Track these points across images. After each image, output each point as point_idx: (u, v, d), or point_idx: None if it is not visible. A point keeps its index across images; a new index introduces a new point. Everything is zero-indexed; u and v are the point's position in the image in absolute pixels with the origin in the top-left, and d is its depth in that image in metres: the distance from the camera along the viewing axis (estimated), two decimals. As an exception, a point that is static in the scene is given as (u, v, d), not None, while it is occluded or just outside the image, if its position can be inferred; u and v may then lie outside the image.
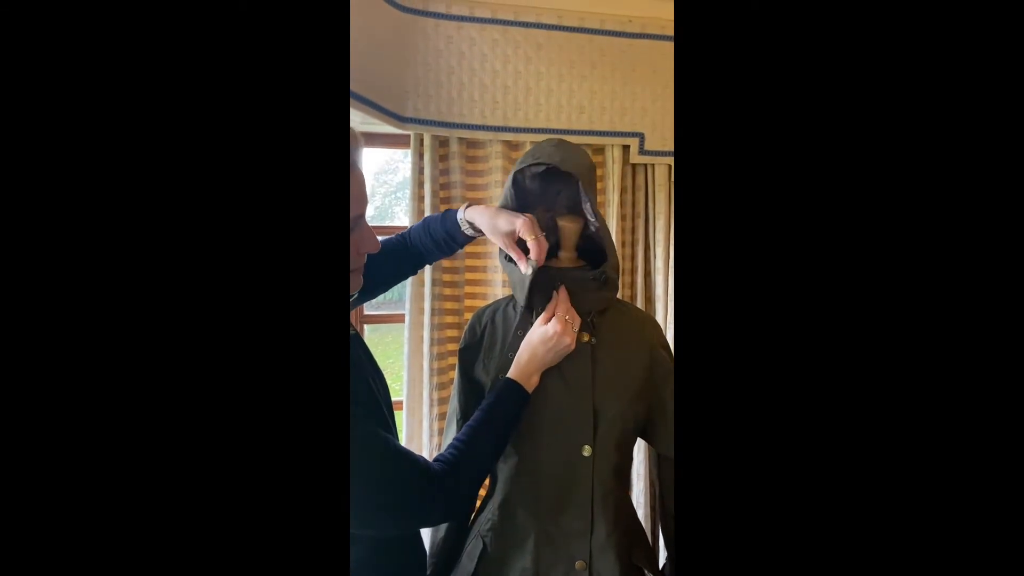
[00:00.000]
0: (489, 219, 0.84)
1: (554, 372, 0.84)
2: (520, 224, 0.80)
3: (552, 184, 0.90)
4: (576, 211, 0.90)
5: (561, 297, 0.82)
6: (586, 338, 0.84)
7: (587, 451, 0.82)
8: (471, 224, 0.88)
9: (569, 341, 0.80)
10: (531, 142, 1.42)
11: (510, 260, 0.85)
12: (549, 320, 0.81)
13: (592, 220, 0.86)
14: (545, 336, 0.80)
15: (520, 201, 0.89)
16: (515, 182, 0.87)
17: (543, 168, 0.84)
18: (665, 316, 1.47)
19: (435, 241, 0.92)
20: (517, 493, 0.84)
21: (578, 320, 0.82)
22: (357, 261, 0.70)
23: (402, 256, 0.94)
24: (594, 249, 0.91)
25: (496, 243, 0.85)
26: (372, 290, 0.92)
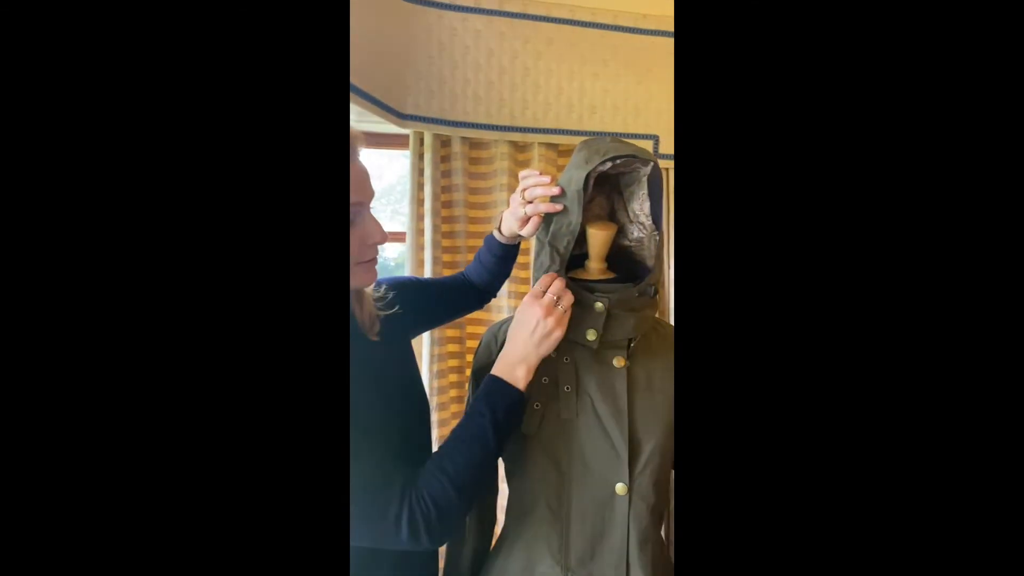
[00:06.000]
0: (508, 212, 0.81)
1: (584, 399, 0.74)
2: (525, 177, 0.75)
3: (597, 187, 0.78)
4: (611, 217, 0.80)
5: (558, 282, 0.69)
6: (621, 363, 0.75)
7: (621, 490, 0.73)
8: (498, 229, 0.86)
9: (559, 332, 0.67)
10: (539, 143, 1.33)
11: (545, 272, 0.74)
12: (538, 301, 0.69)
13: (647, 225, 0.76)
14: (533, 325, 0.67)
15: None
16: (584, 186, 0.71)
17: (608, 166, 0.70)
18: (680, 330, 1.38)
19: (484, 266, 0.91)
20: (541, 538, 0.74)
21: (570, 298, 0.69)
22: (368, 252, 0.67)
23: (463, 290, 0.94)
24: (623, 261, 0.82)
25: (520, 229, 0.78)
26: (430, 322, 0.95)
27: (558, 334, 0.68)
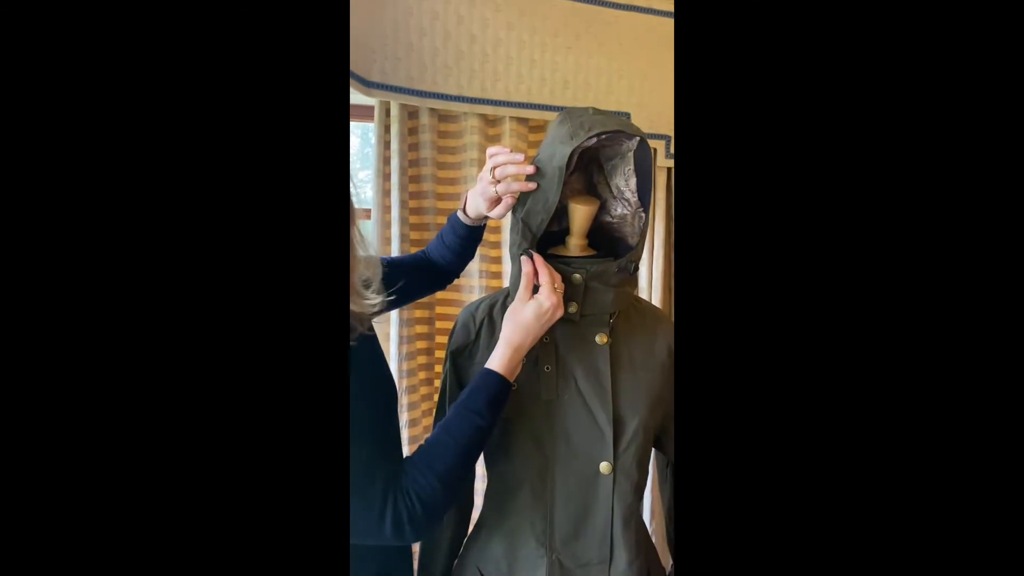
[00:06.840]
0: (474, 191, 0.76)
1: (568, 379, 0.72)
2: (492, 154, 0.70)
3: (578, 161, 0.75)
4: (590, 192, 0.78)
5: (539, 262, 0.69)
6: (604, 339, 0.73)
7: (606, 468, 0.72)
8: (463, 209, 0.81)
9: (561, 313, 0.69)
10: (510, 117, 1.29)
11: (522, 255, 0.71)
12: (531, 293, 0.68)
13: (632, 202, 0.74)
14: (540, 311, 0.67)
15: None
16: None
17: (594, 141, 0.67)
18: (649, 309, 1.39)
19: (448, 246, 0.86)
20: (524, 520, 0.73)
21: (558, 276, 0.70)
22: None
23: (424, 270, 0.90)
24: (604, 238, 0.80)
25: (490, 210, 0.74)
26: (392, 303, 0.90)
27: (560, 313, 0.68)
